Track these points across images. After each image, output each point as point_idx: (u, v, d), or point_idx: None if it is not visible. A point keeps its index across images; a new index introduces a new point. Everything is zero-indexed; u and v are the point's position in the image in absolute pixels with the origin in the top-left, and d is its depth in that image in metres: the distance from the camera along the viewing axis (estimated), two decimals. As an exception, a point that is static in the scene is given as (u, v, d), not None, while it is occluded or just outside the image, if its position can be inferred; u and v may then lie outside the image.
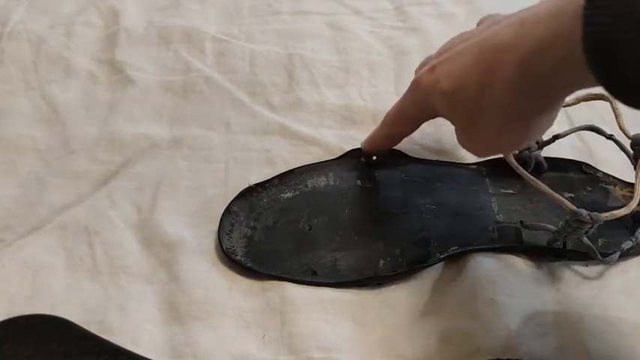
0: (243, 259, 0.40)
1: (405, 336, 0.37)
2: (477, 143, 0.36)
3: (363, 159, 0.45)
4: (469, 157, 0.46)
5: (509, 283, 0.39)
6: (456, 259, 0.40)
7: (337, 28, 0.57)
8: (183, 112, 0.49)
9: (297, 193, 0.43)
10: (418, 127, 0.42)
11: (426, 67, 0.37)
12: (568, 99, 0.35)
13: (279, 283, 0.39)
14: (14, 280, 0.39)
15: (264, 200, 0.43)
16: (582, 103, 0.43)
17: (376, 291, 0.39)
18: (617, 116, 0.41)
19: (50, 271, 0.39)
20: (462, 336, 0.36)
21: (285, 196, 0.43)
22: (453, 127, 0.48)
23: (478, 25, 0.38)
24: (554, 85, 0.30)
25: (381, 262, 0.39)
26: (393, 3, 0.60)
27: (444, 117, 0.37)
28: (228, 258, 0.40)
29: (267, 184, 0.44)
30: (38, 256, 0.40)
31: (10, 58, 0.53)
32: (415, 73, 0.41)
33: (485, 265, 0.39)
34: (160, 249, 0.41)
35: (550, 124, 0.34)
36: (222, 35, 0.56)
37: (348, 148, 0.46)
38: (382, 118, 0.43)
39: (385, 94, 0.51)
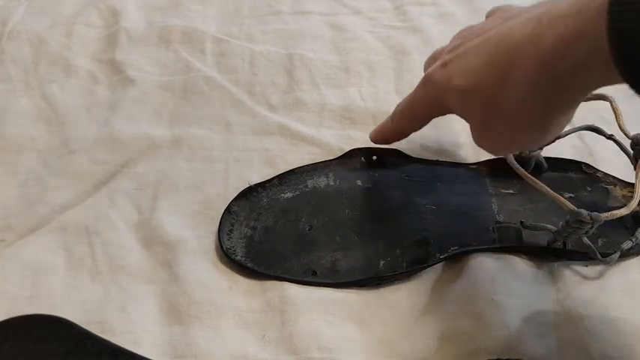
0: (243, 259, 0.40)
1: (405, 336, 0.37)
2: (493, 142, 0.35)
3: (363, 159, 0.45)
4: (469, 157, 0.47)
5: (509, 283, 0.39)
6: (456, 259, 0.40)
7: (337, 28, 0.57)
8: (183, 112, 0.50)
9: (297, 193, 0.43)
10: (428, 122, 0.41)
11: (438, 63, 0.36)
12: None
13: (279, 283, 0.39)
14: (14, 280, 0.39)
15: (265, 200, 0.43)
16: (582, 103, 0.42)
17: (376, 291, 0.39)
18: (617, 116, 0.41)
19: (50, 271, 0.39)
20: (462, 336, 0.36)
21: (285, 196, 0.43)
22: (452, 127, 0.48)
23: (488, 16, 0.37)
24: (575, 84, 0.29)
25: (381, 262, 0.39)
26: (393, 3, 0.60)
27: (457, 114, 0.37)
28: (228, 258, 0.40)
29: (267, 184, 0.44)
30: (38, 256, 0.40)
31: (10, 58, 0.53)
32: (425, 67, 0.40)
33: (486, 265, 0.39)
34: (160, 249, 0.41)
35: (568, 122, 0.34)
36: (222, 35, 0.56)
37: (348, 148, 0.46)
38: (384, 117, 0.43)
39: (385, 94, 0.51)
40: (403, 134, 0.43)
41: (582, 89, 0.30)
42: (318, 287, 0.39)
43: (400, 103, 0.41)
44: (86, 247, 0.41)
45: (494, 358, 0.35)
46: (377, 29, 0.57)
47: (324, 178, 0.44)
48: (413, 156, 0.46)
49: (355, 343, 0.37)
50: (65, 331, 0.35)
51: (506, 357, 0.35)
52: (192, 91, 0.51)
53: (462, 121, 0.51)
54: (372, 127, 0.49)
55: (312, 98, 0.50)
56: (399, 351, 0.36)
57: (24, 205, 0.43)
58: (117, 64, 0.53)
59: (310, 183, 0.44)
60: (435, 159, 0.46)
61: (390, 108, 0.50)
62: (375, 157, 0.45)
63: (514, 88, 0.31)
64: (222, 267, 0.40)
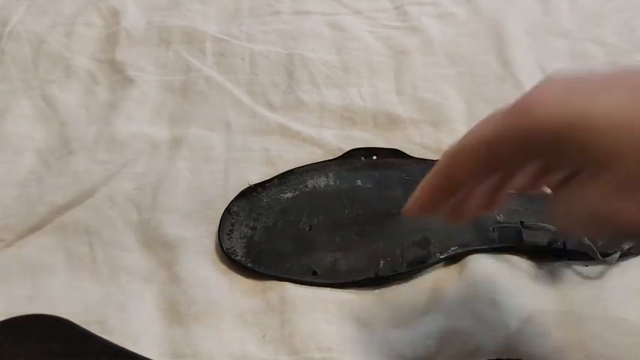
0: (243, 259, 0.40)
1: (405, 336, 0.37)
2: None
3: (363, 159, 0.45)
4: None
5: (509, 283, 0.39)
6: (456, 259, 0.40)
7: (337, 28, 0.57)
8: (183, 112, 0.49)
9: (297, 193, 0.43)
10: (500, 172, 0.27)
11: (535, 88, 0.23)
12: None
13: (279, 283, 0.39)
14: (14, 280, 0.39)
15: (265, 200, 0.43)
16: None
17: (376, 291, 0.39)
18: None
19: (50, 271, 0.39)
20: (462, 336, 0.36)
21: (285, 196, 0.43)
22: (452, 128, 0.48)
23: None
24: None
25: (381, 262, 0.39)
26: (393, 3, 0.60)
27: (571, 165, 0.24)
28: (228, 258, 0.40)
29: (267, 184, 0.44)
30: (38, 256, 0.40)
31: (10, 58, 0.53)
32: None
33: (485, 265, 0.39)
34: (160, 249, 0.41)
35: None
36: (222, 35, 0.56)
37: (348, 148, 0.46)
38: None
39: (385, 94, 0.51)
40: (455, 189, 0.28)
41: None
42: (318, 287, 0.39)
43: (452, 149, 0.27)
44: (86, 247, 0.41)
45: (494, 358, 0.35)
46: (377, 29, 0.57)
47: (324, 178, 0.44)
48: (413, 156, 0.46)
49: (355, 343, 0.37)
50: (65, 331, 0.35)
51: (506, 357, 0.35)
52: (192, 91, 0.51)
53: (463, 121, 0.50)
54: (372, 127, 0.49)
55: (312, 98, 0.50)
56: (399, 351, 0.36)
57: (24, 205, 0.43)
58: (117, 64, 0.53)
59: (310, 183, 0.44)
60: (435, 159, 0.46)
61: (391, 108, 0.50)
62: (375, 157, 0.45)
63: None
64: (222, 267, 0.40)
